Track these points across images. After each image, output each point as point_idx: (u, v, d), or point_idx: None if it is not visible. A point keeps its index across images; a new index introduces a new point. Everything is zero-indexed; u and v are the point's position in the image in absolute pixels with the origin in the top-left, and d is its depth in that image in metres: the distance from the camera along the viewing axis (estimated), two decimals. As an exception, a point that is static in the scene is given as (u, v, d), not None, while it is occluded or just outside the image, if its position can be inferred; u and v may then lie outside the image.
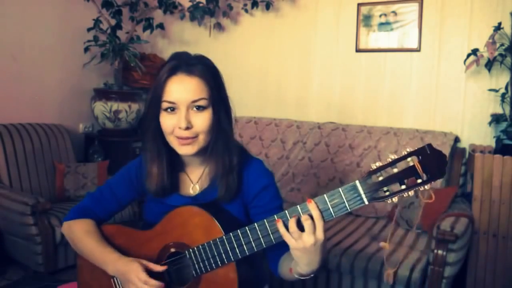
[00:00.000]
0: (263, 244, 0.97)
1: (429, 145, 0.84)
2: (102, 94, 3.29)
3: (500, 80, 2.58)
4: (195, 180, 1.17)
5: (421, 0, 2.81)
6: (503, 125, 2.39)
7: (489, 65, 2.46)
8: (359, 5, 2.99)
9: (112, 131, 3.35)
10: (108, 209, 1.23)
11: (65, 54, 3.29)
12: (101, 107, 3.25)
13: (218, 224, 1.02)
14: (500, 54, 2.43)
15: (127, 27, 3.40)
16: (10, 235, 2.53)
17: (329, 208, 0.90)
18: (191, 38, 3.66)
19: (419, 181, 0.84)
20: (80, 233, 1.17)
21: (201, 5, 3.34)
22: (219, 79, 1.10)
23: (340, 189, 0.90)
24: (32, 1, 3.05)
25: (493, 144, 2.51)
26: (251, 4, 3.25)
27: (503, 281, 2.20)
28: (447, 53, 2.78)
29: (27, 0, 3.02)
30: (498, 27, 2.40)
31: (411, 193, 0.85)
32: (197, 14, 3.33)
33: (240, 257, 0.99)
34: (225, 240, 1.00)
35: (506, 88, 2.47)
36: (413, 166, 0.84)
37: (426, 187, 0.84)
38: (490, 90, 2.57)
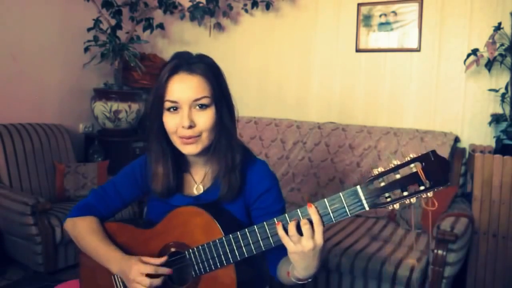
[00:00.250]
0: (262, 247, 0.96)
1: (433, 152, 0.83)
2: (102, 94, 3.29)
3: (500, 80, 2.58)
4: (198, 181, 1.17)
5: (421, 0, 2.81)
6: (503, 125, 2.39)
7: (489, 65, 2.46)
8: (359, 5, 2.99)
9: (112, 131, 3.35)
10: (111, 207, 1.23)
11: (65, 54, 3.29)
12: (101, 107, 3.25)
13: (218, 225, 1.02)
14: (500, 54, 2.43)
15: (127, 27, 3.40)
16: (10, 235, 2.53)
17: (329, 213, 0.90)
18: (191, 38, 3.66)
19: (422, 188, 0.83)
20: (84, 231, 1.17)
21: (201, 5, 3.34)
22: (221, 77, 1.10)
23: (341, 193, 0.89)
24: (32, 1, 3.05)
25: (493, 144, 2.51)
26: (251, 4, 3.25)
27: (503, 281, 2.20)
28: (447, 53, 2.78)
29: (27, 0, 3.02)
30: (498, 27, 2.40)
31: (413, 200, 0.84)
32: (197, 14, 3.34)
33: (239, 259, 0.99)
34: (224, 241, 1.00)
35: (506, 88, 2.47)
36: (416, 172, 0.82)
37: (428, 194, 0.83)
38: (490, 90, 2.57)
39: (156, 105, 1.07)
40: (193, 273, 1.05)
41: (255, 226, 0.97)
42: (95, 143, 3.29)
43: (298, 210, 0.92)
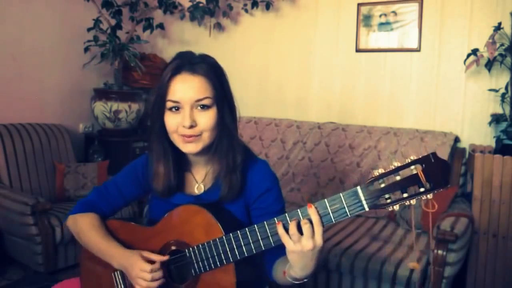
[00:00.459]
0: (262, 247, 0.97)
1: (434, 154, 0.83)
2: (102, 94, 3.29)
3: (500, 80, 2.58)
4: (200, 180, 1.18)
5: (421, 0, 2.81)
6: (503, 125, 2.39)
7: (489, 65, 2.46)
8: (359, 5, 2.99)
9: (112, 131, 3.35)
10: (113, 205, 1.25)
11: (65, 54, 3.29)
12: (101, 107, 3.25)
13: (219, 224, 1.03)
14: (500, 54, 2.43)
15: (127, 27, 3.40)
16: (10, 235, 2.53)
17: (329, 213, 0.90)
18: (191, 38, 3.66)
19: (422, 189, 0.83)
20: (85, 227, 1.18)
21: (201, 5, 3.34)
22: (223, 77, 1.10)
23: (341, 194, 0.89)
24: (32, 1, 3.05)
25: (493, 144, 2.51)
26: (251, 4, 3.25)
27: (503, 281, 2.20)
28: (447, 53, 2.78)
29: (27, 0, 3.02)
30: (498, 27, 2.40)
31: (413, 201, 0.84)
32: (197, 14, 3.34)
33: (238, 258, 1.00)
34: (224, 240, 1.00)
35: (506, 88, 2.47)
36: (416, 174, 0.83)
37: (428, 196, 0.83)
38: (490, 90, 2.57)
39: (158, 105, 1.07)
40: (193, 271, 1.06)
41: (255, 226, 0.97)
42: (95, 143, 3.29)
43: (299, 210, 0.93)
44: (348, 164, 2.76)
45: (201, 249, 1.03)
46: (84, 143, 3.42)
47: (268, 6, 3.22)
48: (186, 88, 1.04)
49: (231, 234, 1.00)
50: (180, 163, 1.16)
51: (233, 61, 3.42)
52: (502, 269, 2.20)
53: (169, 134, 1.08)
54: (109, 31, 3.24)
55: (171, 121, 1.06)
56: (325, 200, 0.91)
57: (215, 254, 1.02)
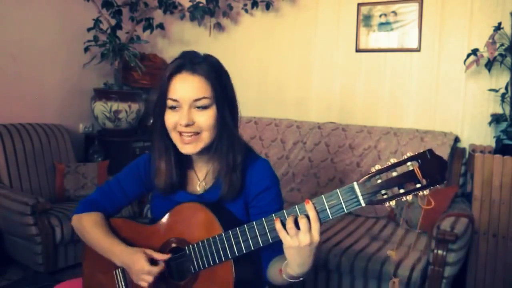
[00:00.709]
0: (260, 243, 0.97)
1: (430, 151, 0.84)
2: (102, 94, 3.29)
3: (500, 80, 2.58)
4: (202, 178, 1.19)
5: (421, 0, 2.81)
6: (503, 125, 2.39)
7: (489, 65, 2.46)
8: (359, 5, 2.99)
9: (112, 131, 3.35)
10: (116, 203, 1.26)
11: (65, 54, 3.29)
12: (101, 107, 3.25)
13: (218, 222, 1.04)
14: (500, 54, 2.43)
15: (127, 27, 3.40)
16: (10, 235, 2.53)
17: (326, 209, 0.91)
18: (191, 38, 3.66)
19: (418, 186, 0.84)
20: (89, 225, 1.20)
21: (201, 5, 3.34)
22: (224, 78, 1.10)
23: (337, 190, 0.90)
24: (32, 1, 3.05)
25: (493, 144, 2.51)
26: (251, 4, 3.25)
27: (503, 281, 2.20)
28: (447, 53, 2.78)
29: (27, 0, 3.02)
30: (498, 27, 2.40)
31: (409, 197, 0.85)
32: (197, 14, 3.34)
33: (237, 255, 1.00)
34: (224, 238, 1.01)
35: (506, 88, 2.47)
36: (413, 170, 0.84)
37: (425, 192, 0.84)
38: (490, 90, 2.57)
39: (159, 103, 1.09)
40: (192, 268, 1.07)
41: (253, 222, 0.98)
42: (95, 143, 3.29)
43: (296, 206, 0.94)
44: (348, 164, 2.76)
45: (201, 247, 1.04)
46: (84, 143, 3.43)
47: (268, 6, 3.22)
48: (185, 88, 1.05)
49: (230, 231, 1.01)
50: (182, 160, 1.17)
51: (233, 61, 3.41)
52: (502, 269, 2.20)
53: (169, 132, 1.09)
54: (109, 31, 3.24)
55: (170, 119, 1.07)
56: (322, 196, 0.92)
57: (214, 251, 1.03)
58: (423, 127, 2.80)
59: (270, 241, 0.96)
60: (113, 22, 3.28)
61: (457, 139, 2.70)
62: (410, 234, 2.30)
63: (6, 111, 2.92)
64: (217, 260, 1.03)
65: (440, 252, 1.91)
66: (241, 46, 3.46)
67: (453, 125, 2.76)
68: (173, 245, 1.11)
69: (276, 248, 0.98)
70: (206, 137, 1.07)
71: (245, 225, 0.99)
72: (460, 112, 2.75)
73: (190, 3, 3.36)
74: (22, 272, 2.51)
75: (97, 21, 3.23)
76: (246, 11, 3.34)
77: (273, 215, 0.96)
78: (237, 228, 1.00)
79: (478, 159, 2.21)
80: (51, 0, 3.17)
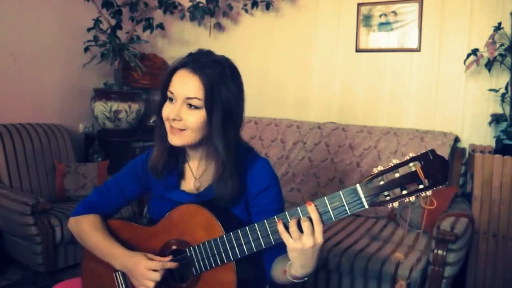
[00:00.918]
0: (263, 245, 0.97)
1: (432, 151, 0.83)
2: (102, 94, 3.29)
3: (500, 80, 2.58)
4: (197, 175, 1.19)
5: (421, 0, 2.81)
6: (503, 125, 2.39)
7: (489, 65, 2.46)
8: (359, 5, 2.99)
9: (112, 131, 3.35)
10: (114, 204, 1.26)
11: (65, 54, 3.29)
12: (101, 107, 3.25)
13: (219, 223, 1.03)
14: (500, 54, 2.43)
15: (127, 27, 3.40)
16: (10, 235, 2.53)
17: (329, 211, 0.91)
18: (191, 38, 3.66)
19: (421, 186, 0.83)
20: (87, 228, 1.19)
21: (201, 5, 3.34)
22: (227, 86, 1.08)
23: (340, 192, 0.89)
24: (32, 1, 3.05)
25: (493, 144, 2.51)
26: (251, 4, 3.25)
27: (503, 281, 2.20)
28: (447, 53, 2.78)
29: (27, 0, 3.02)
30: (498, 27, 2.40)
31: (412, 198, 0.85)
32: (197, 14, 3.34)
33: (239, 256, 1.00)
34: (225, 239, 1.01)
35: (506, 88, 2.47)
36: (415, 171, 0.83)
37: (427, 193, 0.84)
38: (490, 90, 2.57)
39: (162, 92, 1.13)
40: (193, 270, 1.06)
41: (255, 224, 0.97)
42: (95, 143, 3.29)
43: (298, 208, 0.93)
44: (348, 164, 2.76)
45: (202, 248, 1.04)
46: (84, 143, 3.42)
47: (268, 6, 3.22)
48: (182, 84, 1.07)
49: (231, 233, 1.00)
50: (178, 152, 1.18)
51: (233, 61, 3.41)
52: (502, 269, 2.20)
53: (164, 122, 1.12)
54: (109, 31, 3.24)
55: (165, 109, 1.10)
56: (325, 198, 0.91)
57: (215, 253, 1.02)
58: (423, 127, 2.80)
59: (273, 243, 0.96)
60: (113, 22, 3.27)
61: (457, 139, 2.70)
62: (410, 234, 2.29)
63: (6, 111, 2.92)
64: (219, 262, 1.02)
65: (440, 252, 1.91)
66: (241, 46, 3.46)
67: (453, 125, 2.76)
68: (174, 247, 1.10)
69: (278, 248, 0.98)
70: (188, 136, 1.08)
71: (247, 227, 0.98)
72: (460, 112, 2.75)
73: (190, 3, 3.36)
74: (22, 272, 2.51)
75: (97, 21, 3.23)
76: (246, 11, 3.34)
77: (275, 217, 0.95)
78: (239, 230, 0.99)
79: (478, 159, 2.21)
80: (51, 0, 3.17)
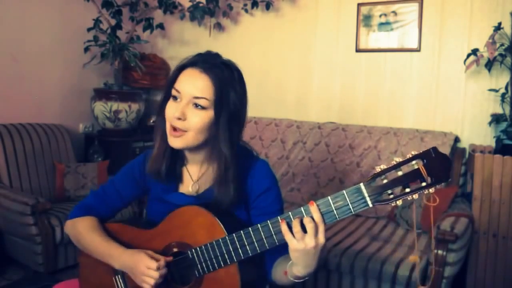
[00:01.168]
0: (266, 246, 0.97)
1: (434, 149, 0.84)
2: (102, 94, 3.29)
3: (500, 80, 2.58)
4: (195, 178, 1.18)
5: (421, 0, 2.81)
6: (503, 125, 2.39)
7: (489, 65, 2.46)
8: (359, 5, 2.99)
9: (112, 131, 3.35)
10: (111, 207, 1.24)
11: (65, 54, 3.29)
12: (101, 107, 3.25)
13: (221, 225, 1.02)
14: (500, 54, 2.43)
15: (127, 27, 3.40)
16: (10, 235, 2.53)
17: (333, 210, 0.90)
18: (191, 38, 3.66)
19: (424, 184, 0.84)
20: (84, 230, 1.18)
21: (201, 5, 3.34)
22: (234, 90, 1.08)
23: (344, 191, 0.89)
24: (32, 1, 3.05)
25: (493, 144, 2.51)
26: (251, 4, 3.25)
27: (503, 281, 2.20)
28: (447, 53, 2.78)
29: (27, 0, 3.02)
30: (498, 27, 2.40)
31: (416, 196, 0.85)
32: (197, 14, 3.33)
33: (242, 257, 0.99)
34: (228, 240, 1.00)
35: (506, 88, 2.47)
36: (418, 169, 0.84)
37: (430, 190, 0.84)
38: (490, 90, 2.57)
39: (166, 90, 1.10)
40: (196, 272, 1.05)
41: (258, 225, 0.97)
42: (95, 143, 3.29)
43: (302, 208, 0.93)
44: (348, 164, 2.76)
45: (204, 250, 1.03)
46: (84, 143, 3.42)
47: (268, 6, 3.22)
48: (190, 82, 1.05)
49: (234, 234, 0.99)
50: (177, 155, 1.16)
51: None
52: (502, 269, 2.20)
53: (166, 122, 1.09)
54: (109, 31, 3.24)
55: (168, 108, 1.08)
56: (329, 197, 0.91)
57: (218, 254, 1.01)
58: (423, 127, 2.80)
59: (277, 243, 0.96)
60: (113, 22, 3.27)
61: (457, 139, 2.70)
62: (410, 234, 2.29)
63: (6, 111, 2.91)
64: (222, 263, 1.01)
65: (440, 252, 1.91)
66: (241, 46, 3.46)
67: (453, 125, 2.76)
68: (175, 249, 1.09)
69: (280, 249, 0.97)
70: (191, 137, 1.06)
71: (250, 228, 0.98)
72: (460, 112, 2.75)
73: (190, 3, 3.36)
74: (22, 272, 2.51)
75: (97, 21, 3.23)
76: (246, 11, 3.34)
77: (279, 217, 0.95)
78: (241, 231, 0.98)
79: (478, 159, 2.21)
80: (51, 0, 3.17)
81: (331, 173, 2.78)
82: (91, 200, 1.24)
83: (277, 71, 3.36)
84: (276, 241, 0.96)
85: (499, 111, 2.52)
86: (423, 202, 0.80)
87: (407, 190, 0.85)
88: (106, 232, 1.19)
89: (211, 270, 1.03)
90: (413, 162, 0.84)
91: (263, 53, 3.40)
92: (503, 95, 2.46)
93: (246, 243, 0.98)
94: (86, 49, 3.22)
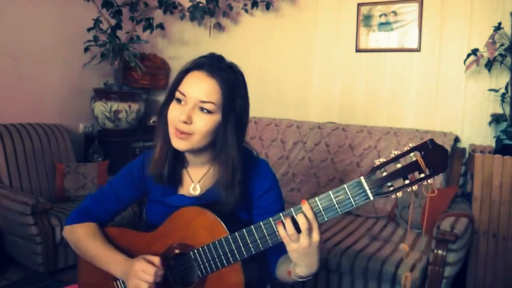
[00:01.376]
0: (269, 243, 0.97)
1: (431, 140, 0.85)
2: (102, 94, 3.29)
3: (500, 80, 2.58)
4: (196, 180, 1.17)
5: (421, 0, 2.81)
6: (503, 125, 2.39)
7: (489, 65, 2.46)
8: (359, 5, 2.99)
9: (112, 131, 3.35)
10: (110, 210, 1.22)
11: (65, 54, 3.29)
12: (101, 107, 3.25)
13: (223, 224, 1.02)
14: (500, 54, 2.43)
15: (127, 27, 3.40)
16: (10, 235, 2.53)
17: (334, 205, 0.91)
18: (191, 38, 3.66)
19: (422, 175, 0.85)
20: (84, 237, 1.16)
21: (201, 5, 3.34)
22: (240, 93, 1.08)
23: (345, 185, 0.91)
24: (32, 1, 3.05)
25: (493, 144, 2.51)
26: (251, 4, 3.25)
27: (503, 281, 2.20)
28: (447, 53, 2.78)
29: (27, 0, 3.02)
30: (498, 27, 2.40)
31: (415, 187, 0.87)
32: (197, 14, 3.33)
33: (246, 256, 0.99)
34: (230, 239, 1.00)
35: (506, 88, 2.47)
36: (416, 161, 0.85)
37: (429, 181, 0.86)
38: (490, 90, 2.57)
39: (169, 92, 1.09)
40: (199, 273, 1.05)
41: (260, 223, 0.97)
42: (95, 143, 3.29)
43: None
44: (348, 164, 2.76)
45: (207, 250, 1.02)
46: (84, 143, 3.43)
47: (268, 6, 3.22)
48: (197, 86, 1.04)
49: (236, 233, 0.99)
50: (178, 156, 1.15)
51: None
52: (502, 269, 2.20)
53: (168, 124, 1.07)
54: (109, 31, 3.23)
55: (172, 111, 1.06)
56: (330, 192, 0.92)
57: (221, 253, 1.01)
58: (423, 127, 2.80)
59: (279, 240, 0.96)
60: (113, 22, 3.27)
61: (457, 139, 2.70)
62: (410, 234, 2.29)
63: (6, 111, 2.91)
64: (225, 262, 1.01)
65: (440, 252, 1.91)
66: (241, 46, 3.46)
67: (453, 125, 2.76)
68: (176, 251, 1.08)
69: (282, 247, 0.97)
70: (196, 140, 1.04)
71: (252, 226, 0.98)
72: (460, 112, 2.75)
73: (190, 3, 3.36)
74: (22, 272, 2.51)
75: (97, 21, 3.23)
76: (246, 11, 3.34)
77: (280, 214, 0.95)
78: (244, 229, 0.98)
79: (478, 159, 2.21)
80: (51, 0, 3.17)
81: (331, 173, 2.78)
82: (89, 204, 1.22)
83: (277, 71, 3.36)
84: (280, 237, 0.96)
85: (499, 111, 2.52)
86: (422, 190, 0.81)
87: (407, 182, 0.87)
88: (106, 237, 1.17)
89: (215, 270, 1.03)
90: (411, 154, 0.86)
91: (263, 53, 3.40)
92: (503, 95, 2.46)
93: (248, 241, 0.98)
94: (86, 49, 3.22)
